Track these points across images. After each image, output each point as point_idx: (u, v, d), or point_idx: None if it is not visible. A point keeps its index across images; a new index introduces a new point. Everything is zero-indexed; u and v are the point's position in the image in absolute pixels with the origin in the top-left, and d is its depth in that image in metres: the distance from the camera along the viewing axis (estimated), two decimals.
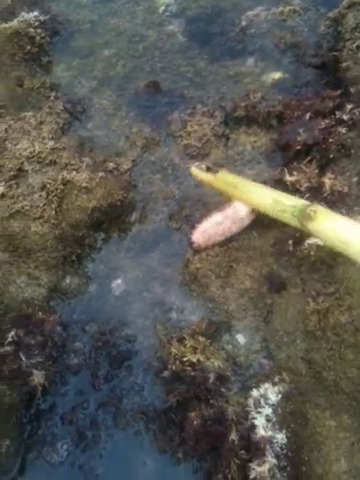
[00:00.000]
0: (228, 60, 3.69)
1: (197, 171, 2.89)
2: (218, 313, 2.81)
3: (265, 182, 2.99)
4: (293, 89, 3.47)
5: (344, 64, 3.23)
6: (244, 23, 3.76)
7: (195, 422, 2.40)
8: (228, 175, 2.81)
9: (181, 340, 2.64)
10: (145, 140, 3.42)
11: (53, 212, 2.93)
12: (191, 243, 2.92)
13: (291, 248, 2.74)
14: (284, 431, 2.31)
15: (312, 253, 2.62)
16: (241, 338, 2.73)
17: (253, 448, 2.27)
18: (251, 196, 2.71)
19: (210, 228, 2.85)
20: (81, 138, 3.40)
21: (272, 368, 2.60)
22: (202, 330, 2.70)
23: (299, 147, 3.01)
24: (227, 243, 2.91)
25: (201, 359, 2.54)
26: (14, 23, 3.71)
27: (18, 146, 3.12)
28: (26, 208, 2.92)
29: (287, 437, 2.30)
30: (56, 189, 2.96)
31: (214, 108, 3.45)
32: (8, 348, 2.53)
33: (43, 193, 2.96)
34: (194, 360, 2.52)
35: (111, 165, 3.26)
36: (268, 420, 2.33)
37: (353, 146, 2.97)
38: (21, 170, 3.04)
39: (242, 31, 3.75)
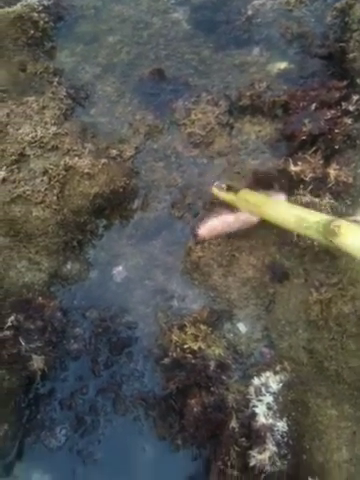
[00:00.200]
0: (233, 49, 3.64)
1: (218, 191, 2.88)
2: (220, 302, 2.80)
3: (269, 171, 2.97)
4: (299, 79, 3.43)
5: (351, 55, 3.20)
6: (250, 12, 3.71)
7: (195, 409, 2.40)
8: (248, 193, 2.78)
9: (182, 328, 2.64)
10: (148, 127, 3.39)
11: (55, 197, 2.90)
12: (195, 235, 2.91)
13: (294, 238, 2.73)
14: (285, 419, 2.31)
15: (315, 243, 2.61)
16: (242, 327, 2.72)
17: (253, 436, 2.27)
18: (275, 215, 2.66)
19: (219, 226, 2.85)
20: (84, 124, 3.36)
21: (273, 357, 2.59)
22: (203, 318, 2.69)
23: (304, 137, 2.99)
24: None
25: (202, 347, 2.53)
26: (17, 7, 3.64)
27: (20, 131, 3.08)
28: (27, 193, 2.89)
29: (288, 425, 2.30)
30: (58, 174, 2.93)
31: (219, 97, 3.41)
32: (7, 332, 2.52)
33: (45, 178, 2.92)
34: (195, 348, 2.52)
35: (114, 152, 3.22)
36: (269, 408, 2.33)
37: (359, 137, 2.96)
38: (23, 155, 3.00)
39: (248, 20, 3.70)
